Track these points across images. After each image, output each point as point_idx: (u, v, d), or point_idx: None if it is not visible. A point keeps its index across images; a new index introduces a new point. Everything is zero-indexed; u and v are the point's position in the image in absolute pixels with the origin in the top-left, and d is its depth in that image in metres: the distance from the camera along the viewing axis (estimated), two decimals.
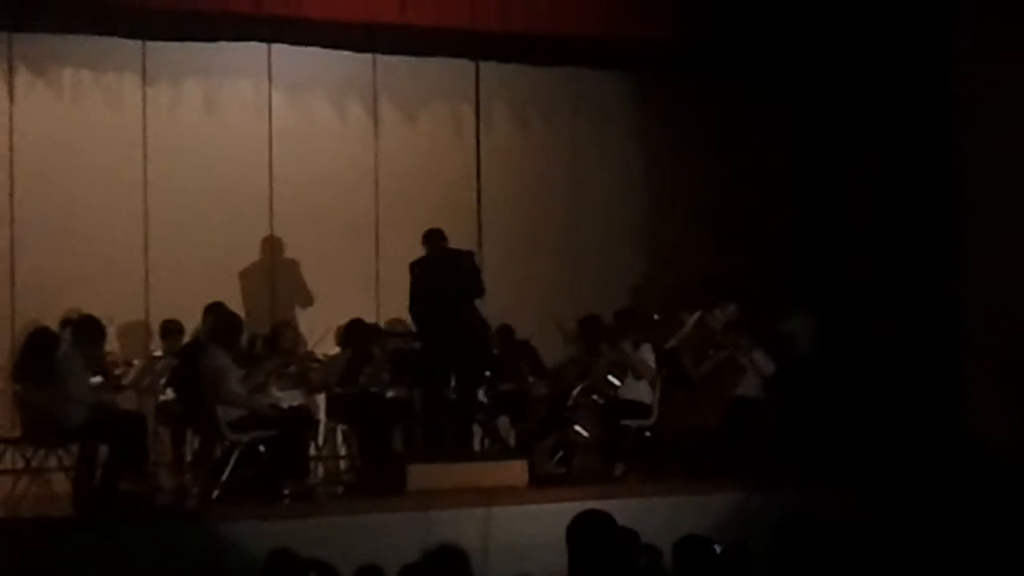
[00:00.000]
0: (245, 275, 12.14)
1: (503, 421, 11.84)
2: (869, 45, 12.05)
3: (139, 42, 11.74)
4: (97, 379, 10.05)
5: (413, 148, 12.84)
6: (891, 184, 12.10)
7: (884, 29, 12.01)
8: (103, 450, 9.60)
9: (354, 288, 12.23)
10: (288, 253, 12.31)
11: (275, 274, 12.30)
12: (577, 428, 11.45)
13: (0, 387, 10.79)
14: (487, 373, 11.38)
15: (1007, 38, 11.65)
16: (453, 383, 10.64)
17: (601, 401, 11.28)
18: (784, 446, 11.16)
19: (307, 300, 12.20)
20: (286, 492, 9.79)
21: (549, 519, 7.84)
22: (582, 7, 11.61)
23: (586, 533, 5.18)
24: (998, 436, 11.25)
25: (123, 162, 11.86)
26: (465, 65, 12.84)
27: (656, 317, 11.78)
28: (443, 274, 10.62)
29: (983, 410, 11.63)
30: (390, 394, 11.16)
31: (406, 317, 11.06)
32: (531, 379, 11.86)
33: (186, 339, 11.14)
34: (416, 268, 10.65)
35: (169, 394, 10.87)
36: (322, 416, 11.27)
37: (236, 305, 11.14)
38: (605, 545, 5.18)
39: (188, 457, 10.79)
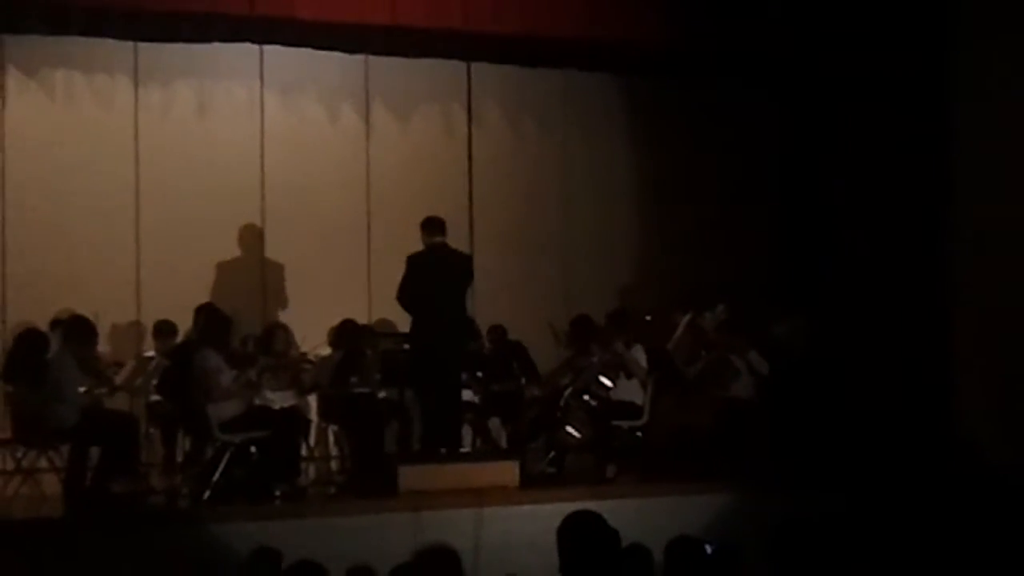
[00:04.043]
0: (237, 275, 12.14)
1: (495, 422, 11.84)
2: (856, 45, 12.05)
3: (131, 44, 11.74)
4: (83, 388, 9.93)
5: (405, 149, 12.86)
6: (881, 186, 12.11)
7: (871, 28, 12.01)
8: (94, 451, 9.58)
9: (346, 288, 12.23)
10: (280, 254, 12.31)
11: (266, 275, 12.30)
12: (569, 429, 11.43)
13: None
14: (478, 374, 11.38)
15: (1000, 31, 11.63)
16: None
17: (593, 402, 11.26)
18: (777, 447, 11.15)
19: (299, 301, 12.19)
20: (277, 493, 9.78)
21: (540, 520, 7.84)
22: (573, 9, 11.60)
23: (577, 534, 5.19)
24: (987, 441, 11.27)
25: (115, 163, 11.87)
26: (457, 66, 12.84)
27: (647, 318, 11.78)
28: (441, 274, 10.41)
29: (973, 414, 11.64)
30: (382, 395, 11.14)
31: (397, 317, 11.00)
32: (523, 380, 11.85)
33: (178, 340, 11.12)
34: (415, 262, 10.37)
35: (154, 396, 10.83)
36: (314, 417, 11.27)
37: (228, 306, 11.08)
38: (596, 546, 5.19)
39: (179, 458, 10.76)
